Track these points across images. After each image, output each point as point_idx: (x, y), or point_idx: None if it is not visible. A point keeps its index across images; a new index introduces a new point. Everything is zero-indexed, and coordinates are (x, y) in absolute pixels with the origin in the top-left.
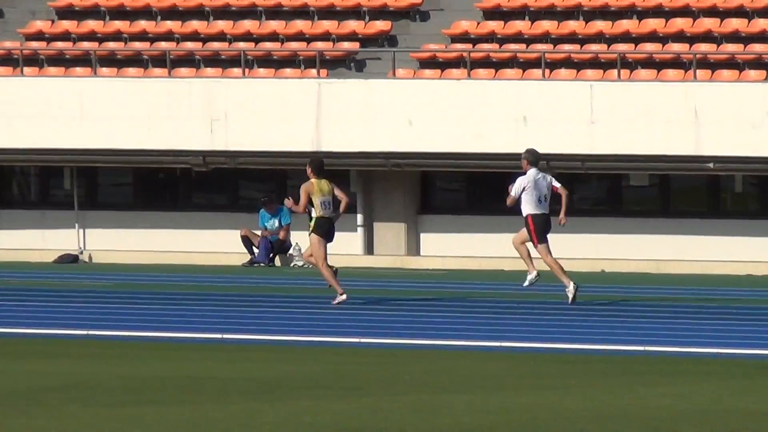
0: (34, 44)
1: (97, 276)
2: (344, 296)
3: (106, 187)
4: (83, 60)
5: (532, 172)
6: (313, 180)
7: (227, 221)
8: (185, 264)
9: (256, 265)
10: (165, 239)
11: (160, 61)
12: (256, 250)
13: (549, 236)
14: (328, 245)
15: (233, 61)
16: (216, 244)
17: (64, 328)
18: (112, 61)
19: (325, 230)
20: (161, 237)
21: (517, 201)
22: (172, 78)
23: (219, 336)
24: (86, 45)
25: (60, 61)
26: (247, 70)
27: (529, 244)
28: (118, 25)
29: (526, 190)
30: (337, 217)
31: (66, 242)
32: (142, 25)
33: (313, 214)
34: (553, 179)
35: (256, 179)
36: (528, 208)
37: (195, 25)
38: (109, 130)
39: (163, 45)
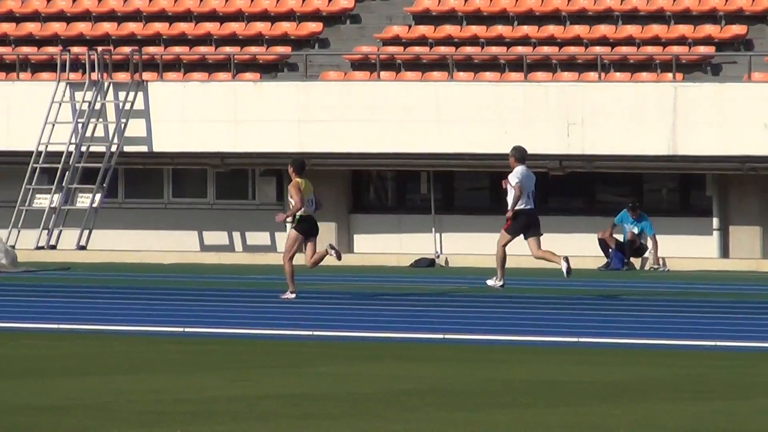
0: (391, 49)
1: (453, 280)
2: (293, 296)
3: (463, 191)
4: (440, 64)
5: (520, 168)
6: (298, 179)
7: (584, 225)
8: (540, 268)
9: (611, 269)
10: (520, 243)
11: (517, 65)
12: (612, 253)
13: None
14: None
15: (589, 65)
16: (572, 248)
17: (419, 332)
18: (468, 65)
19: (306, 228)
20: (517, 240)
21: (505, 195)
22: (528, 82)
23: (575, 339)
24: (443, 49)
25: (416, 65)
26: (603, 74)
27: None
28: (475, 29)
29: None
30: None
31: (422, 246)
32: (499, 29)
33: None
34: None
35: (612, 183)
36: (519, 203)
37: (551, 29)
38: (465, 134)
39: (520, 49)
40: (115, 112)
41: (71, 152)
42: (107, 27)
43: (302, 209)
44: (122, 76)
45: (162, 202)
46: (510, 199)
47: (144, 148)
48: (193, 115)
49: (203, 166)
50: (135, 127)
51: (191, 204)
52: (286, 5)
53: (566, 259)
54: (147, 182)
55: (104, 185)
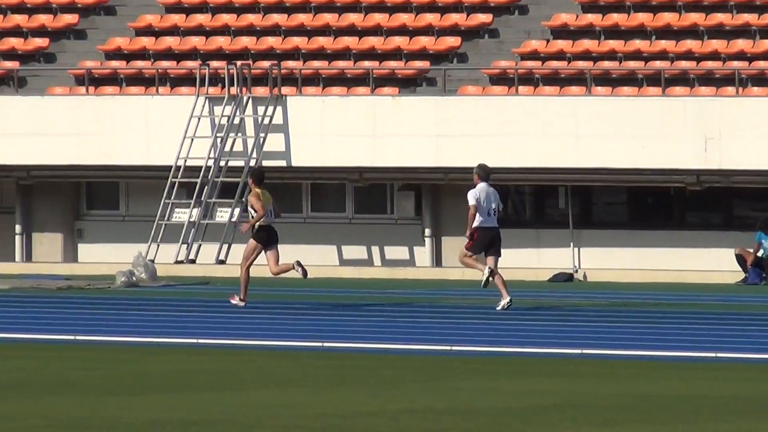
0: (529, 63)
1: (591, 294)
2: (243, 303)
3: (601, 205)
4: (578, 79)
5: (482, 185)
6: (258, 190)
7: (721, 240)
8: (678, 282)
9: (749, 284)
10: (658, 258)
11: (655, 80)
12: (749, 268)
13: None
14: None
15: (727, 80)
16: (710, 263)
17: (557, 347)
18: (606, 80)
19: (265, 237)
20: (655, 255)
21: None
22: (665, 97)
23: (712, 355)
24: (581, 64)
25: (554, 80)
26: (740, 89)
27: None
28: (613, 44)
29: (477, 202)
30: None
31: (561, 261)
32: (637, 44)
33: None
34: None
35: (751, 198)
36: (476, 221)
37: (689, 44)
38: (602, 149)
39: (657, 64)
40: (253, 126)
41: (210, 167)
42: (246, 41)
43: (262, 219)
44: (261, 91)
45: (301, 216)
46: (472, 203)
47: (283, 163)
48: (332, 130)
49: (341, 181)
50: (274, 142)
51: (330, 218)
52: (424, 20)
53: (510, 301)
54: (286, 196)
55: (243, 199)
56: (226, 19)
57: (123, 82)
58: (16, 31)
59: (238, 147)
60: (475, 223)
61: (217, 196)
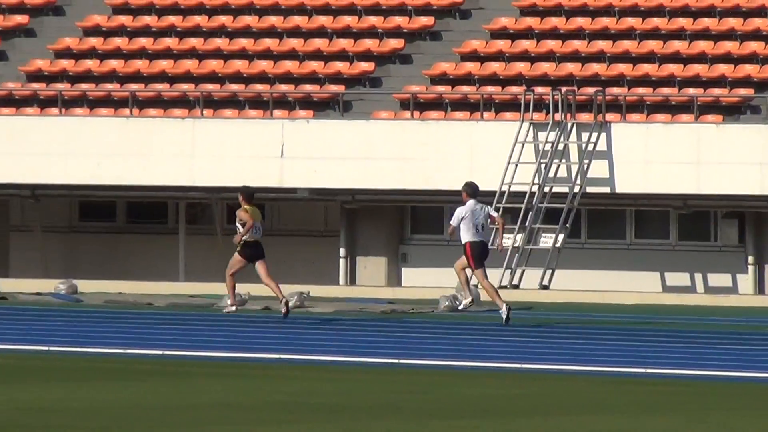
0: None
1: None
2: (234, 308)
3: None
4: None
5: (470, 203)
6: (247, 206)
7: None
8: None
9: None
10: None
11: None
12: None
13: None
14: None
15: None
16: None
17: None
18: None
19: (249, 254)
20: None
21: (457, 230)
22: None
23: None
24: None
25: None
26: None
27: (469, 271)
28: None
29: (464, 220)
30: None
31: None
32: None
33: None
34: (490, 209)
35: None
36: (466, 236)
37: None
38: None
39: None
40: (577, 152)
41: (534, 192)
42: (571, 67)
43: (250, 235)
44: (585, 117)
45: (624, 243)
46: (451, 223)
47: (606, 189)
48: (656, 157)
49: (665, 208)
50: (597, 168)
51: (653, 245)
52: (749, 48)
53: (509, 309)
54: (609, 223)
55: (567, 225)
56: (551, 45)
57: (448, 107)
58: (342, 55)
59: (562, 173)
60: (467, 238)
61: (541, 221)
